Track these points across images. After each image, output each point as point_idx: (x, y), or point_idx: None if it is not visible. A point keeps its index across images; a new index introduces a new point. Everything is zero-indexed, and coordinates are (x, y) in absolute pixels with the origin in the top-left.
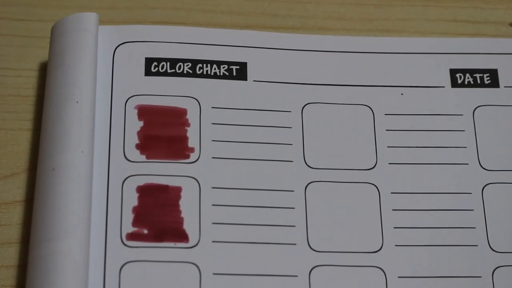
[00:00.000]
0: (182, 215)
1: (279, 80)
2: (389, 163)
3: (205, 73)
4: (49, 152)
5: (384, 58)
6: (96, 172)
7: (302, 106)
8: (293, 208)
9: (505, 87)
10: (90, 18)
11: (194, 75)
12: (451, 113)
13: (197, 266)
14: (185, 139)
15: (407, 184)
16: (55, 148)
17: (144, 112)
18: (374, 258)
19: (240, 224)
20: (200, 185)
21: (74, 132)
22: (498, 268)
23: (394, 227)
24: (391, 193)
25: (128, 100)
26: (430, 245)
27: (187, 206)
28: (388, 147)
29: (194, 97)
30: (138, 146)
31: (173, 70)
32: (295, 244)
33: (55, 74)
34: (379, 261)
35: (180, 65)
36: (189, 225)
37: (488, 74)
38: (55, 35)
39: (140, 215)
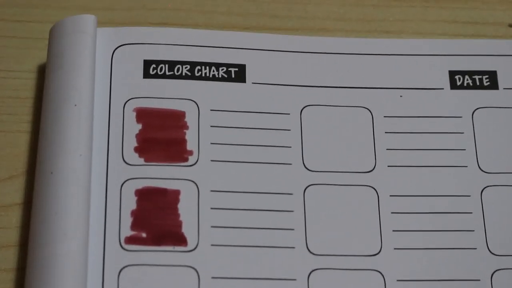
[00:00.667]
0: (181, 218)
1: (278, 82)
2: (388, 166)
3: (203, 75)
4: (48, 155)
5: (383, 60)
6: (95, 175)
7: (301, 109)
8: (292, 211)
9: (504, 89)
10: (89, 20)
11: (192, 77)
12: (450, 115)
13: (196, 270)
14: (183, 142)
15: (406, 186)
16: (53, 151)
17: (142, 115)
18: (372, 262)
19: (239, 227)
20: (199, 188)
21: (73, 135)
22: (497, 271)
23: (393, 230)
24: (390, 196)
25: (127, 103)
26: (429, 248)
27: (185, 210)
28: (387, 149)
29: (193, 99)
30: (136, 149)
31: (172, 73)
32: (293, 247)
33: (54, 76)
34: (378, 264)
35: (178, 67)
36: (188, 229)
37: (487, 76)
38: (53, 37)
39: (139, 219)
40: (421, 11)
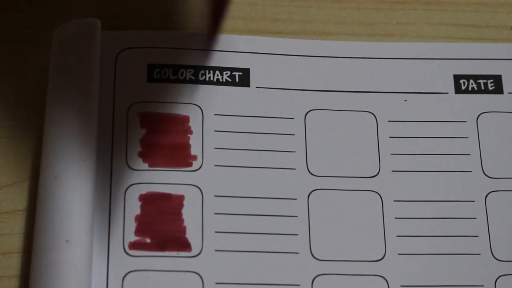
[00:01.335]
0: (185, 223)
1: (282, 87)
2: (392, 171)
3: (207, 79)
4: (51, 160)
5: (388, 64)
6: (99, 180)
7: (305, 113)
8: (296, 216)
9: (509, 93)
10: (93, 24)
11: (196, 81)
12: (455, 120)
13: (200, 275)
14: (187, 146)
15: (410, 191)
16: (57, 157)
17: (146, 119)
18: (376, 267)
19: (243, 233)
20: (203, 194)
21: (76, 140)
22: (501, 277)
23: (397, 236)
24: (394, 201)
25: (131, 107)
26: (433, 253)
27: (189, 215)
28: (391, 154)
29: (197, 104)
30: (140, 154)
31: (176, 77)
32: (297, 253)
33: (57, 81)
34: (382, 269)
35: (182, 72)
36: (192, 234)
37: (492, 80)
38: (57, 41)
39: (143, 224)
40: (424, 14)
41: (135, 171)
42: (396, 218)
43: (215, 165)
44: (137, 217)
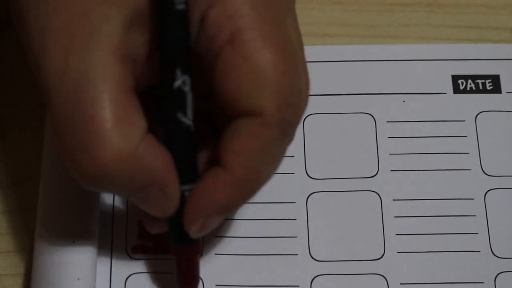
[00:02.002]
0: None
1: None
2: (391, 170)
3: None
4: (55, 161)
5: (386, 66)
6: None
7: (303, 118)
8: (295, 219)
9: (507, 92)
10: None
11: None
12: (453, 119)
13: (201, 278)
14: None
15: (409, 191)
16: (60, 158)
17: None
18: (376, 266)
19: (242, 236)
20: None
21: None
22: (501, 274)
23: (396, 234)
24: (393, 200)
25: None
26: (432, 251)
27: None
28: (390, 154)
29: None
30: None
31: None
32: (296, 254)
33: None
34: (381, 268)
35: None
36: None
37: (490, 80)
38: None
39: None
40: (425, 16)
41: None
42: (395, 217)
43: None
44: (139, 222)
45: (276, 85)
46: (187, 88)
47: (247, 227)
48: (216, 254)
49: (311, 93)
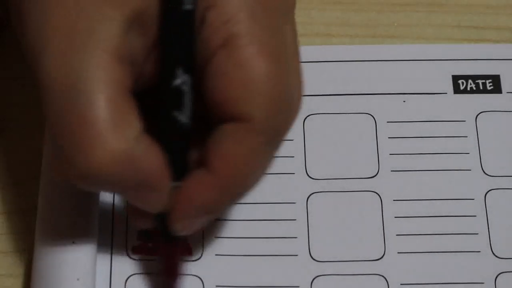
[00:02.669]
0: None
1: None
2: (391, 171)
3: None
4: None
5: (386, 66)
6: None
7: (303, 118)
8: (295, 220)
9: (507, 92)
10: None
11: None
12: (454, 119)
13: (200, 278)
14: None
15: (410, 191)
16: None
17: None
18: (376, 266)
19: (242, 237)
20: None
21: None
22: (501, 274)
23: (397, 235)
24: (394, 200)
25: None
26: (433, 251)
27: None
28: (390, 154)
29: None
30: None
31: None
32: (296, 255)
33: None
34: (382, 268)
35: None
36: (193, 239)
37: (490, 80)
38: None
39: (145, 229)
40: (425, 16)
41: None
42: (395, 217)
43: None
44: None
45: (266, 93)
46: (186, 88)
47: (247, 228)
48: (216, 254)
49: (311, 93)
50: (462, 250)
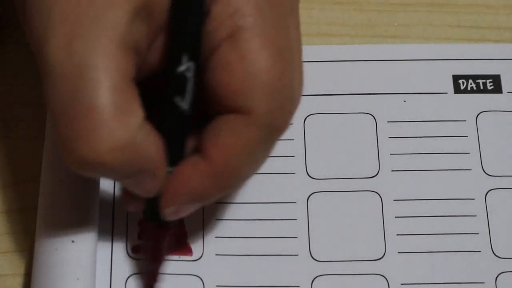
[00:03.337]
0: (186, 229)
1: None
2: (392, 170)
3: None
4: (55, 161)
5: (386, 66)
6: (102, 183)
7: (304, 118)
8: (295, 219)
9: (508, 92)
10: None
11: None
12: (454, 119)
13: (201, 278)
14: None
15: (410, 191)
16: (60, 158)
17: None
18: (376, 266)
19: (242, 237)
20: None
21: None
22: (502, 274)
23: (397, 234)
24: (394, 200)
25: None
26: (433, 251)
27: (191, 221)
28: (390, 154)
29: None
30: None
31: None
32: (297, 255)
33: None
34: (382, 268)
35: None
36: (193, 239)
37: (491, 80)
38: None
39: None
40: (426, 15)
41: None
42: (396, 217)
43: None
44: (139, 222)
45: (268, 88)
46: (190, 75)
47: (248, 228)
48: (216, 254)
49: (311, 93)
50: (463, 250)
